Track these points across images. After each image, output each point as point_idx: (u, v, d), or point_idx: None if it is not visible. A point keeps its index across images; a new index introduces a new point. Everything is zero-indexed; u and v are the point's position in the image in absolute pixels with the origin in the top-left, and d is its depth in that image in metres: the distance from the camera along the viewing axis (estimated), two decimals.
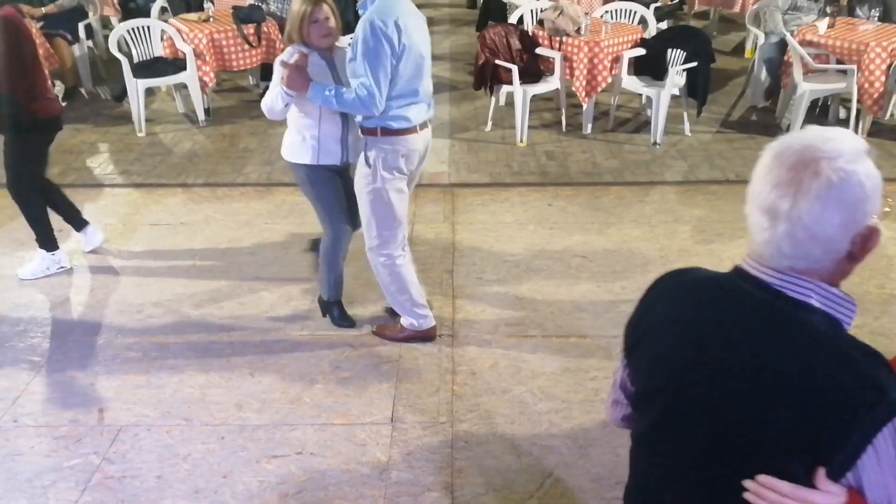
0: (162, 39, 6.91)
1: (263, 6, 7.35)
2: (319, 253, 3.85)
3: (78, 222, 4.63)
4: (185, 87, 6.84)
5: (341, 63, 3.45)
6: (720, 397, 1.26)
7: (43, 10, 7.18)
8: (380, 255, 3.57)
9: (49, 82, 4.39)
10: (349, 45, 3.30)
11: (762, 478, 1.21)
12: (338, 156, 3.54)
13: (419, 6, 3.49)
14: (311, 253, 4.35)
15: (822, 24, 6.54)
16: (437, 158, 6.12)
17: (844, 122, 6.53)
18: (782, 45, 6.62)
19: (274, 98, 3.41)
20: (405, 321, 3.77)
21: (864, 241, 1.21)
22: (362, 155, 3.38)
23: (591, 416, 3.32)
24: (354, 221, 3.69)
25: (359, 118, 3.36)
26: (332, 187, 3.61)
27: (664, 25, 7.91)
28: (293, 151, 3.57)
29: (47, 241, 4.43)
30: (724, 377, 1.26)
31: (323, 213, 3.68)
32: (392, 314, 3.91)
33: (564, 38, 6.43)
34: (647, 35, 6.82)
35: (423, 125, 3.41)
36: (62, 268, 4.49)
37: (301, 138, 3.53)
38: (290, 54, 3.36)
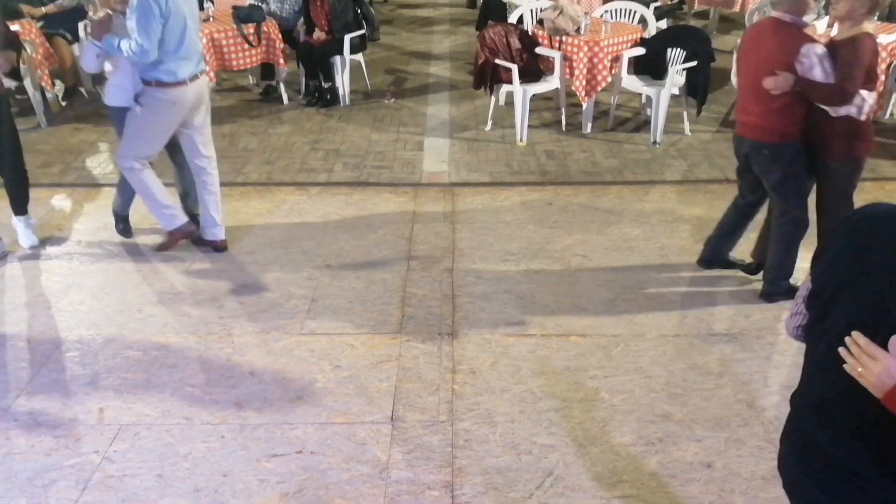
0: None
1: (263, 6, 7.36)
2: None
3: None
4: None
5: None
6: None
7: (43, 9, 7.18)
8: (125, 162, 4.43)
9: None
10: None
11: (855, 334, 1.56)
12: None
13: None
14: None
15: (822, 24, 6.55)
16: (438, 158, 6.13)
17: None
18: None
19: (88, 50, 4.27)
20: (163, 226, 4.62)
21: None
22: (138, 97, 4.24)
23: (591, 414, 3.33)
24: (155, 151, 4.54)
25: (139, 71, 4.19)
26: None
27: (664, 25, 7.91)
28: (116, 97, 4.37)
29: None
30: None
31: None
32: None
33: (564, 38, 6.43)
34: (646, 34, 6.83)
35: (193, 78, 4.27)
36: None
37: (120, 87, 4.33)
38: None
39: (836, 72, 3.59)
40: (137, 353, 3.76)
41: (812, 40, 3.64)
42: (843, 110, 3.66)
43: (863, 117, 3.68)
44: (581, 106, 6.57)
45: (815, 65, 3.59)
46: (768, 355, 3.72)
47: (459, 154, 6.20)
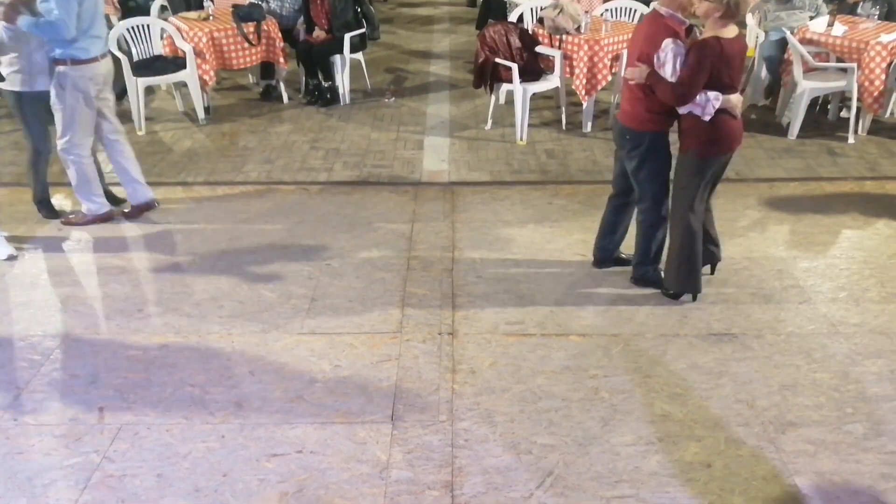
0: (162, 38, 6.92)
1: (263, 4, 7.35)
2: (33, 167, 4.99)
3: None
4: (184, 85, 6.85)
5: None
6: None
7: None
8: (70, 155, 4.75)
9: None
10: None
11: None
12: (46, 83, 4.60)
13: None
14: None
15: (822, 22, 6.55)
16: (438, 157, 6.13)
17: (845, 121, 6.53)
18: (782, 43, 6.62)
19: None
20: (84, 207, 4.97)
21: None
22: (55, 80, 4.53)
23: (591, 414, 3.33)
24: (52, 140, 4.82)
25: (52, 52, 4.46)
26: (39, 110, 4.71)
27: None
28: (10, 82, 4.61)
29: None
30: None
31: (30, 131, 4.80)
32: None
33: (564, 37, 6.43)
34: None
35: (103, 55, 4.65)
36: None
37: (22, 72, 4.57)
38: None
39: (680, 72, 3.66)
40: (137, 352, 3.76)
41: (676, 36, 3.70)
42: (686, 108, 3.72)
43: (706, 118, 3.70)
44: (581, 105, 6.57)
45: (668, 61, 3.68)
46: (768, 355, 3.72)
47: (459, 153, 6.20)
